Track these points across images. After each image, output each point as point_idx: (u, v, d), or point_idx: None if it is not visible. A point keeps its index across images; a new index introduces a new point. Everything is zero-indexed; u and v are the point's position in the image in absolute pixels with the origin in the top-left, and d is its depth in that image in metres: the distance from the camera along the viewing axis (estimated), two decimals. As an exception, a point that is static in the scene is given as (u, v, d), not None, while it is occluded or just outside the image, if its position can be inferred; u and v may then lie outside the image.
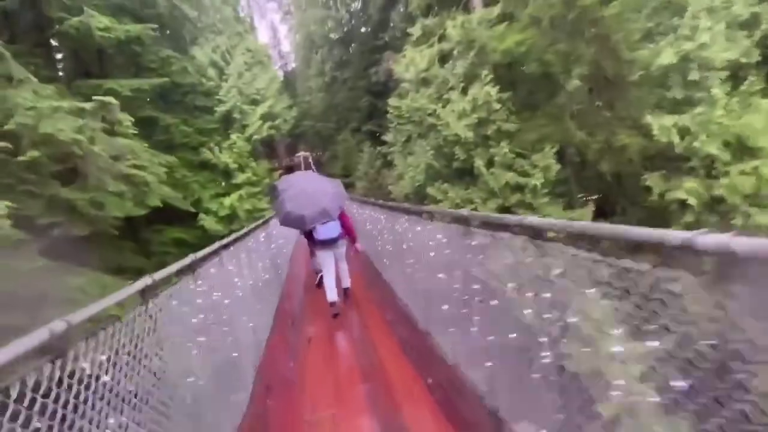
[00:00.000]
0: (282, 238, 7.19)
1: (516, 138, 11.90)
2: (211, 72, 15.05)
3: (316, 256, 4.82)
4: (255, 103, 15.95)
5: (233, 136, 14.53)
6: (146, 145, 9.22)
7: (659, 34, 11.35)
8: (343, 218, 4.57)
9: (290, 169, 28.15)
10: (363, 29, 29.18)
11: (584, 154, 11.48)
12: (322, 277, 4.80)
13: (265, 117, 15.72)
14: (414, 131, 14.79)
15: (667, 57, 10.72)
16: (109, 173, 5.95)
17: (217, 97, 14.93)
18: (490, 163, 11.89)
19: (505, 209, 11.68)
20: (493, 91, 10.71)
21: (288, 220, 4.36)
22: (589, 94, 11.51)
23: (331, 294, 4.35)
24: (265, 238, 4.94)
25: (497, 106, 10.88)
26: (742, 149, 11.09)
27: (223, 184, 13.85)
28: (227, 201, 13.15)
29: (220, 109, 14.77)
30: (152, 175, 7.32)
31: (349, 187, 22.58)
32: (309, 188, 4.49)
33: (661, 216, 11.74)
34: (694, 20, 10.39)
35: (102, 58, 13.00)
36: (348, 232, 4.63)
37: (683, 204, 11.10)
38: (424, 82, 14.45)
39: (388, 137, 16.95)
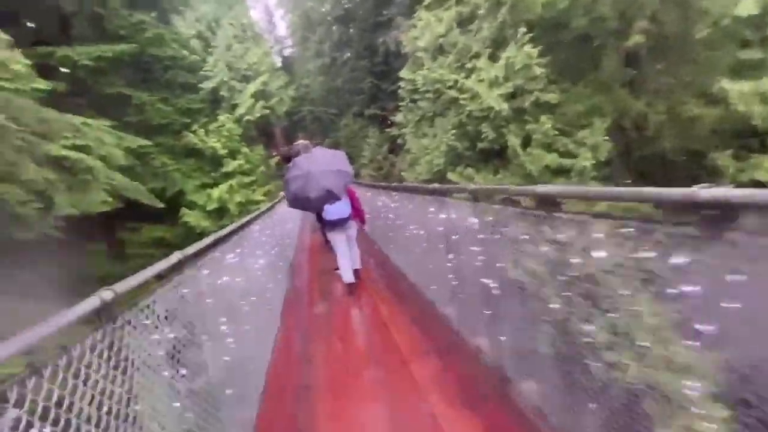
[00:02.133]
0: (277, 242, 5.45)
1: (556, 112, 10.00)
2: (196, 44, 13.01)
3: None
4: (246, 80, 13.92)
5: (221, 117, 12.54)
6: (106, 124, 7.33)
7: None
8: (351, 196, 4.48)
9: (288, 159, 26.15)
10: (364, 5, 26.90)
11: (642, 129, 9.58)
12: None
13: (258, 95, 13.68)
14: (430, 108, 12.85)
15: (747, 7, 8.73)
16: (28, 155, 4.12)
17: (202, 72, 12.90)
18: (525, 142, 10.01)
19: (544, 197, 9.83)
20: (533, 51, 8.74)
21: (295, 202, 4.19)
22: (646, 57, 9.56)
23: (347, 275, 4.47)
24: (249, 247, 3.16)
25: (538, 71, 8.92)
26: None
27: (211, 173, 11.92)
28: (215, 193, 11.25)
29: (206, 85, 12.74)
30: (99, 159, 5.46)
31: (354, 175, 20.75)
32: (312, 168, 4.07)
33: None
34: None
35: (66, 26, 11.05)
36: (356, 211, 4.54)
37: (761, 186, 9.27)
38: (441, 50, 12.49)
39: (397, 117, 15.00)
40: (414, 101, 13.51)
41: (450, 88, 11.50)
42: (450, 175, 11.32)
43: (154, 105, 10.38)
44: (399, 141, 16.04)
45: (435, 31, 12.10)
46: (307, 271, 6.12)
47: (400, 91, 13.40)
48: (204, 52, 13.40)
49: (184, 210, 10.65)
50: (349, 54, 28.33)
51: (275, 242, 5.09)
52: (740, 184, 9.65)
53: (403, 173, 12.64)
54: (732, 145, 9.67)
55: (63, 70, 8.99)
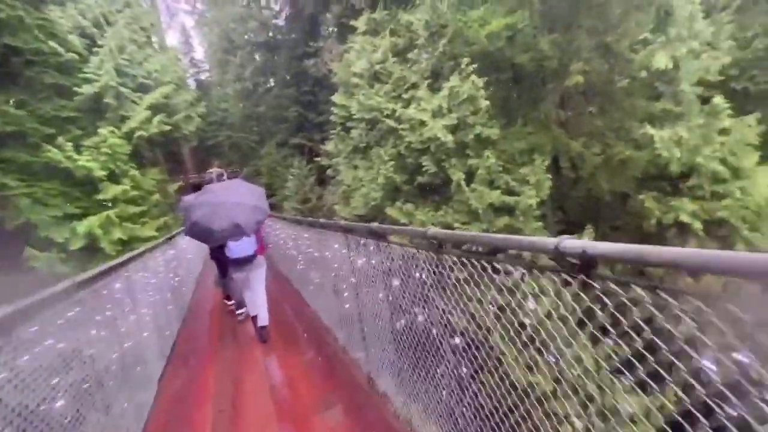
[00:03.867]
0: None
1: (497, 148, 9.64)
2: (77, 42, 10.35)
3: (228, 277, 4.55)
4: (145, 90, 11.42)
5: (102, 131, 9.82)
6: None
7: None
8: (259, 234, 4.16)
9: (198, 188, 23.64)
10: (291, 34, 26.50)
11: (577, 169, 9.57)
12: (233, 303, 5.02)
13: (157, 108, 11.23)
14: (365, 138, 11.88)
15: (662, 60, 9.42)
16: None
17: (83, 74, 10.17)
18: (468, 178, 9.39)
19: (489, 236, 9.18)
20: (479, 82, 8.23)
21: (194, 232, 3.63)
22: (579, 100, 9.77)
23: (252, 308, 4.23)
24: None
25: (484, 103, 8.41)
26: (732, 168, 10.16)
27: (80, 201, 9.02)
28: (82, 226, 8.37)
29: (86, 90, 10.01)
30: None
31: (274, 208, 18.78)
32: (223, 197, 3.67)
33: (656, 243, 10.27)
34: (690, 21, 9.26)
35: None
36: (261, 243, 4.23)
37: (681, 228, 9.78)
38: (377, 78, 11.78)
39: (328, 146, 13.74)
40: (347, 129, 12.47)
41: (387, 117, 10.67)
42: (389, 211, 10.20)
43: (-4, 106, 7.55)
44: (329, 172, 14.72)
45: (371, 58, 11.35)
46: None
47: (332, 117, 12.24)
48: (88, 52, 10.74)
49: (30, 251, 7.65)
50: (273, 81, 27.49)
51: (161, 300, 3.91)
52: (664, 226, 10.04)
53: (336, 207, 11.17)
54: (651, 187, 10.16)
55: None
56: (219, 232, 3.43)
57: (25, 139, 9.00)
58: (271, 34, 27.18)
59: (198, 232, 3.56)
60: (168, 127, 11.25)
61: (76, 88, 9.84)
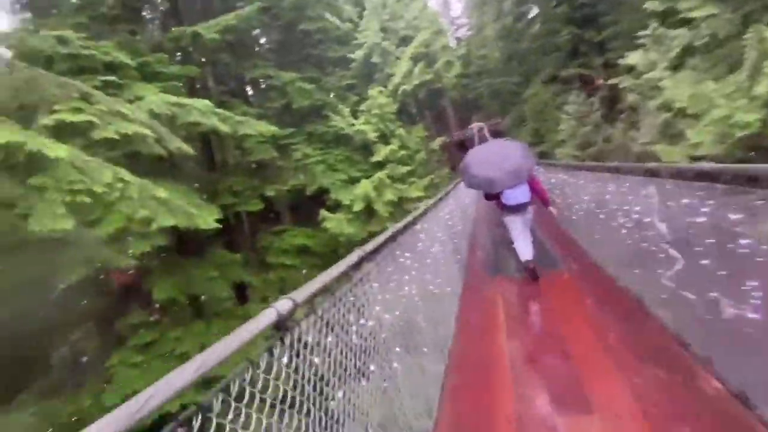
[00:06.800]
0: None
1: None
2: (349, 10, 10.83)
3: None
4: (404, 42, 10.96)
5: (372, 91, 9.95)
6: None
7: None
8: (532, 182, 4.45)
9: (461, 145, 23.31)
10: None
11: None
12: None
13: (417, 58, 10.51)
14: (704, 32, 7.11)
15: None
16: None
17: (355, 41, 10.59)
18: None
19: None
20: None
21: (474, 183, 4.34)
22: None
23: (525, 253, 4.44)
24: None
25: None
26: None
27: (360, 164, 9.49)
28: (359, 189, 8.71)
29: (357, 55, 10.36)
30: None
31: (544, 156, 15.63)
32: (495, 150, 4.47)
33: None
34: None
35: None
36: (540, 195, 4.51)
37: None
38: None
39: (629, 59, 9.36)
40: (672, 20, 7.92)
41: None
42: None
43: (295, 84, 8.52)
44: (630, 99, 10.29)
45: None
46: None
47: (647, 4, 7.91)
48: (359, 18, 11.13)
49: (323, 213, 8.55)
50: (536, 8, 23.51)
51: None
52: None
53: (654, 147, 7.26)
54: None
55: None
56: (498, 179, 4.01)
57: (320, 113, 10.11)
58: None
59: (478, 183, 4.21)
60: (429, 76, 10.45)
61: (349, 55, 10.38)
